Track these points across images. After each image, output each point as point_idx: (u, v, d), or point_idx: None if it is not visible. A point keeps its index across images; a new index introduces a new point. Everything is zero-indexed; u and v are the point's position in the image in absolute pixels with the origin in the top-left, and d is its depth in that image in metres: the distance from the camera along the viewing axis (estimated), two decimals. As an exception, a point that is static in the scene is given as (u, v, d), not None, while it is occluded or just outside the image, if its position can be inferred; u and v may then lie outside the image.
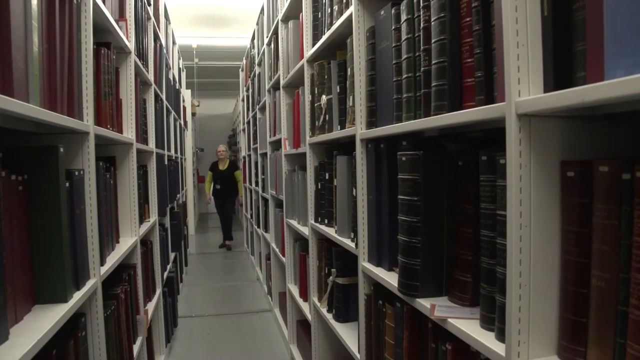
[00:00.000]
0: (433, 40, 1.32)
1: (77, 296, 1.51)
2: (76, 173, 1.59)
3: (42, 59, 1.29)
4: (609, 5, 0.78)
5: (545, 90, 0.95)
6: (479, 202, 1.20)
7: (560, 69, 0.92)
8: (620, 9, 0.75)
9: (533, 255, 0.98)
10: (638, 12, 0.71)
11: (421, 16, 1.40)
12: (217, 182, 8.77)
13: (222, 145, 9.04)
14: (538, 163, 0.98)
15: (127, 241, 2.51)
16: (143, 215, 3.11)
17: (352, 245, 2.05)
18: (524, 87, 0.97)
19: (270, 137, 4.51)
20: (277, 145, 4.17)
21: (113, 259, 2.07)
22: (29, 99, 1.19)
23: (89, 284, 1.65)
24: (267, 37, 4.47)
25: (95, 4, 1.83)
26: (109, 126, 2.14)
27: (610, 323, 0.88)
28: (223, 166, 8.78)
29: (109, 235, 2.15)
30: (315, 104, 2.60)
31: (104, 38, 2.24)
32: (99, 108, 2.00)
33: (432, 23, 1.32)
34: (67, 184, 1.51)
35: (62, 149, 1.46)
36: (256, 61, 5.49)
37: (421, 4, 1.39)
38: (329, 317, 2.55)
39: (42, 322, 1.26)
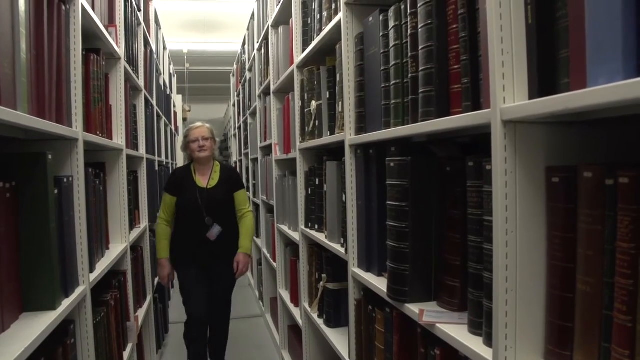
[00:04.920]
0: (420, 47, 1.33)
1: (66, 303, 1.50)
2: (65, 180, 1.59)
3: (30, 65, 1.29)
4: (590, 14, 0.79)
5: (530, 97, 0.96)
6: (466, 207, 1.21)
7: (545, 76, 0.92)
8: (601, 17, 0.76)
9: (519, 261, 0.99)
10: (618, 20, 0.72)
11: (409, 23, 1.41)
12: (190, 220, 3.27)
13: (202, 125, 3.39)
14: (523, 169, 0.99)
15: (117, 247, 2.50)
16: (133, 221, 3.10)
17: (342, 250, 2.06)
18: (509, 93, 0.97)
19: (261, 142, 4.51)
20: (268, 150, 4.17)
21: (103, 265, 2.06)
22: (17, 106, 1.19)
23: (78, 291, 1.64)
24: (257, 42, 4.48)
25: (84, 11, 1.83)
26: (98, 132, 2.14)
27: (596, 327, 0.88)
28: (204, 178, 3.33)
29: (99, 241, 2.14)
30: (305, 110, 2.61)
31: (94, 44, 2.24)
32: (88, 114, 1.99)
33: (420, 30, 1.33)
34: (56, 191, 1.51)
35: (50, 156, 1.45)
36: (247, 66, 5.49)
37: (409, 11, 1.40)
38: (320, 322, 2.55)
39: (29, 330, 1.25)
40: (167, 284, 3.47)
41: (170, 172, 4.48)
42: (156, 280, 3.80)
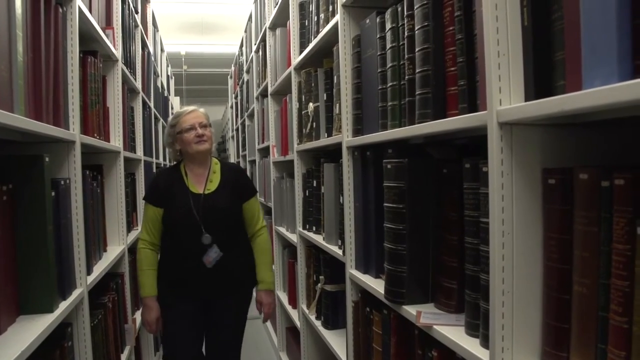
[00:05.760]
0: (417, 49, 1.33)
1: (63, 306, 1.50)
2: (62, 182, 1.59)
3: (27, 68, 1.29)
4: (585, 16, 0.79)
5: (527, 99, 0.96)
6: (463, 209, 1.21)
7: (541, 78, 0.93)
8: (596, 20, 0.76)
9: (516, 262, 0.99)
10: (613, 22, 0.72)
11: (405, 25, 1.41)
12: (181, 240, 2.36)
13: (195, 108, 2.47)
14: (520, 171, 0.99)
15: (115, 249, 2.50)
16: (131, 223, 3.09)
17: (340, 252, 2.06)
18: (505, 95, 0.98)
19: (258, 144, 4.51)
20: (265, 152, 4.17)
21: (100, 267, 2.06)
22: (14, 109, 1.19)
23: (75, 294, 1.64)
24: (255, 44, 4.48)
25: (81, 13, 1.83)
26: (95, 134, 2.14)
27: (592, 329, 0.89)
28: (200, 180, 2.41)
29: (96, 243, 2.14)
30: (303, 112, 2.61)
31: (91, 46, 2.23)
32: (85, 116, 1.99)
33: (416, 32, 1.33)
34: (53, 193, 1.51)
35: (47, 159, 1.45)
36: (244, 68, 5.50)
37: (405, 13, 1.40)
38: (318, 324, 2.55)
39: (26, 333, 1.25)
40: (155, 331, 2.47)
41: (155, 174, 3.00)
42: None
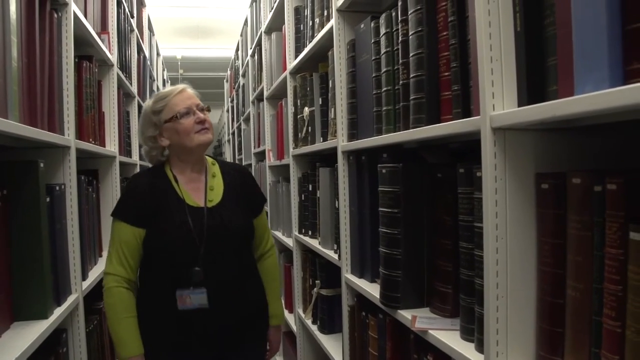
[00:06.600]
0: (411, 54, 1.33)
1: (58, 312, 1.50)
2: (57, 188, 1.58)
3: (21, 73, 1.29)
4: (576, 22, 0.79)
5: (520, 104, 0.96)
6: (458, 213, 1.22)
7: (534, 83, 0.93)
8: (587, 26, 0.76)
9: (510, 267, 1.00)
10: (604, 28, 0.72)
11: (399, 30, 1.41)
12: (175, 273, 1.65)
13: (185, 87, 1.78)
14: (513, 175, 0.99)
15: (110, 255, 2.49)
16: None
17: (335, 257, 2.06)
18: (498, 101, 0.98)
19: (254, 148, 4.51)
20: (261, 156, 4.17)
21: (96, 273, 2.06)
22: (8, 115, 1.19)
23: (71, 299, 1.64)
24: (250, 48, 4.49)
25: (76, 18, 1.83)
26: (91, 139, 2.13)
27: (586, 333, 0.89)
28: (197, 188, 1.75)
29: (92, 248, 2.13)
30: (298, 116, 2.61)
31: (86, 51, 2.24)
32: (80, 121, 1.99)
33: (410, 37, 1.34)
34: (48, 199, 1.51)
35: (42, 164, 1.45)
36: (240, 72, 5.50)
37: (399, 18, 1.41)
38: (314, 328, 2.54)
39: (20, 340, 1.25)
40: None
41: (129, 181, 1.85)
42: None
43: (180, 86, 1.77)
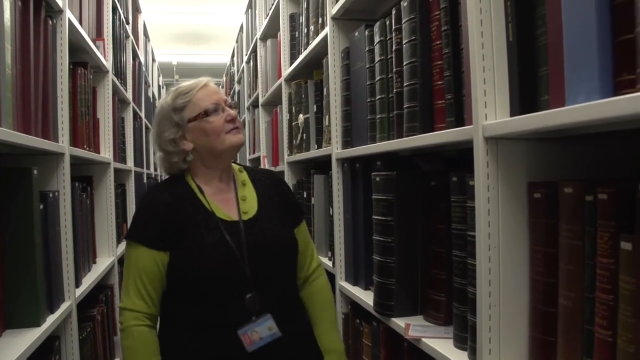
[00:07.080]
0: (405, 62, 1.34)
1: (51, 319, 1.49)
2: (51, 195, 1.58)
3: (15, 81, 1.29)
4: (567, 33, 0.80)
5: (512, 113, 0.97)
6: (451, 222, 1.22)
7: (526, 93, 0.94)
8: (577, 36, 0.77)
9: (502, 276, 1.00)
10: (594, 40, 0.73)
11: (393, 38, 1.42)
12: (215, 305, 1.33)
13: (209, 79, 1.48)
14: (505, 185, 1.00)
15: (104, 261, 2.49)
16: (121, 235, 3.08)
17: (330, 264, 2.06)
18: (491, 110, 0.99)
19: (250, 154, 4.51)
20: (256, 162, 4.17)
21: (89, 280, 2.05)
22: (2, 122, 1.19)
23: (64, 307, 1.63)
24: (246, 55, 4.50)
25: (71, 24, 1.83)
26: (85, 146, 2.13)
27: (577, 341, 0.89)
28: (228, 199, 1.45)
29: (85, 255, 2.13)
30: (293, 123, 2.62)
31: (81, 58, 2.23)
32: (75, 128, 1.99)
33: (404, 45, 1.34)
34: (41, 206, 1.50)
35: (36, 171, 1.45)
36: (236, 79, 5.51)
37: (393, 27, 1.42)
38: (308, 335, 2.53)
39: (12, 348, 1.24)
40: None
41: (144, 196, 1.55)
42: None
43: (203, 79, 1.47)
